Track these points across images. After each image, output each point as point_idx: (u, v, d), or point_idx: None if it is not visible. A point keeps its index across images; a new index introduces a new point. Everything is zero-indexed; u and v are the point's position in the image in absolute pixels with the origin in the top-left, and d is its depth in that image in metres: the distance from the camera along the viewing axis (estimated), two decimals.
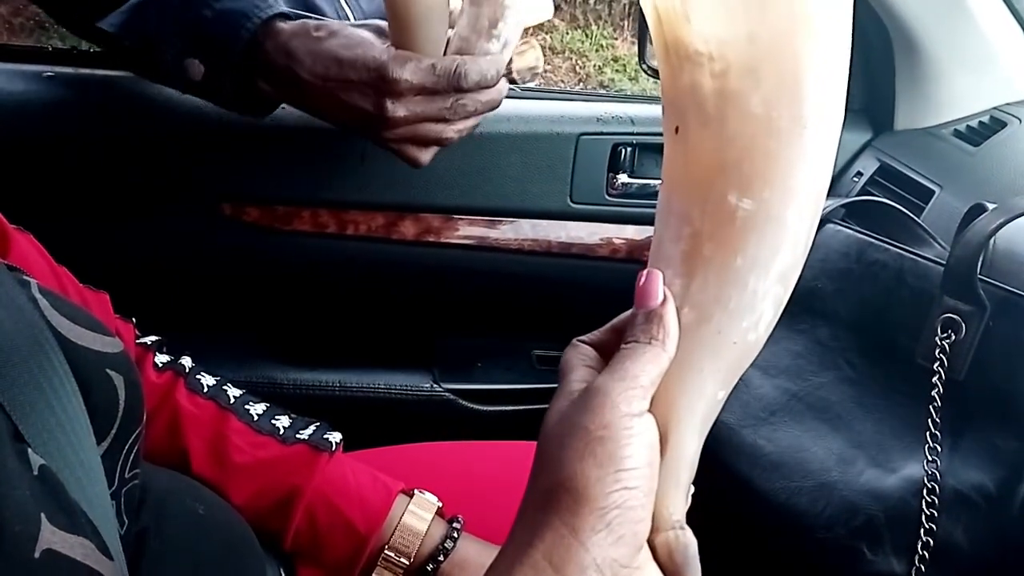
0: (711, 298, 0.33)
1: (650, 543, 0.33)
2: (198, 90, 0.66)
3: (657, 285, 0.33)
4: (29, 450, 0.33)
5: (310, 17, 0.63)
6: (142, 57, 0.70)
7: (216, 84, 0.64)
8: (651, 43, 1.06)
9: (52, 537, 0.31)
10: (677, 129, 0.32)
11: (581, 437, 0.31)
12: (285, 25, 0.61)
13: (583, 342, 0.37)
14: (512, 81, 1.10)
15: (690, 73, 0.31)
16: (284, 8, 0.63)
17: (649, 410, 0.32)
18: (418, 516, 0.54)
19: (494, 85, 0.62)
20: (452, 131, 0.63)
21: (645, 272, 0.33)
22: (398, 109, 0.59)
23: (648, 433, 0.31)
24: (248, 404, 0.56)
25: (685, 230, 0.33)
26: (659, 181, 0.99)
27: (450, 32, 0.62)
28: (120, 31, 0.66)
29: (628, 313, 0.36)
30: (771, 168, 0.31)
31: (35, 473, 0.32)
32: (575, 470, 0.30)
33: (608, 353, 0.35)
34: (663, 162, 0.35)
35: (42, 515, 0.31)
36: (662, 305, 0.33)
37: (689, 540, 0.33)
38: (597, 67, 3.81)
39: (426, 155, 0.64)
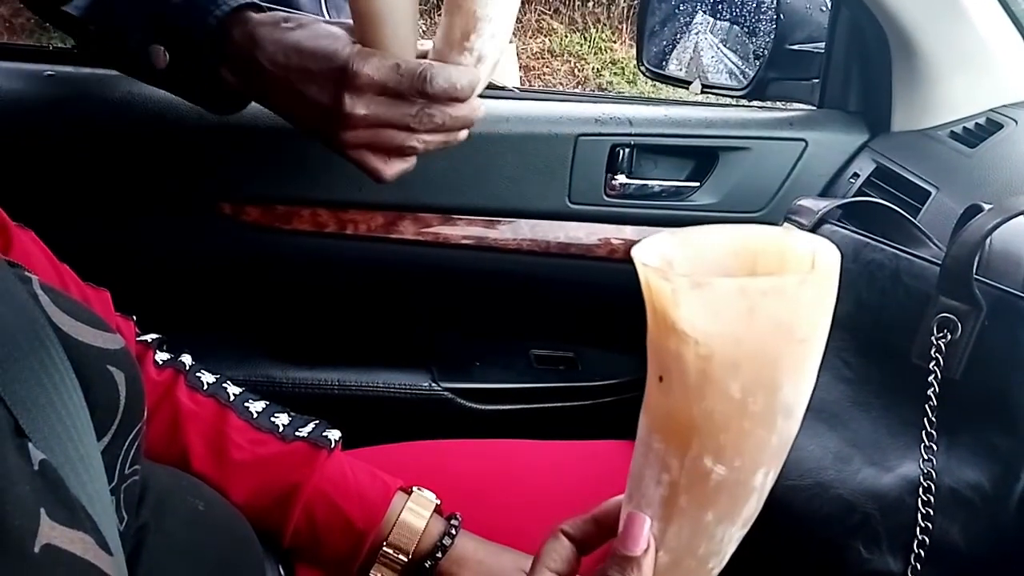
0: (683, 545, 0.36)
1: None
2: (162, 80, 0.65)
3: (643, 532, 0.36)
4: (30, 444, 0.33)
5: (282, 9, 0.62)
6: (107, 43, 0.68)
7: (179, 72, 0.62)
8: (646, 46, 1.06)
9: (52, 532, 0.31)
10: (661, 378, 0.35)
11: None
12: (254, 14, 0.60)
13: (565, 533, 0.39)
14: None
15: (676, 343, 0.33)
16: None
17: None
18: (416, 513, 0.54)
19: (465, 98, 0.58)
20: (417, 141, 0.58)
21: (633, 515, 0.36)
22: (357, 105, 0.56)
23: None
24: (248, 402, 0.56)
25: (664, 477, 0.35)
26: (657, 182, 0.99)
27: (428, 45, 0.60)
28: (85, 15, 0.64)
29: (612, 503, 0.39)
30: (744, 443, 0.34)
31: (35, 468, 0.32)
32: None
33: (587, 547, 0.38)
34: (644, 397, 0.36)
35: (42, 510, 0.31)
36: (643, 554, 0.35)
37: None
38: (596, 70, 3.82)
39: (390, 168, 0.60)
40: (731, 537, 0.37)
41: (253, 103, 0.69)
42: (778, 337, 0.32)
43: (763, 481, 0.36)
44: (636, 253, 0.33)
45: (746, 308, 0.31)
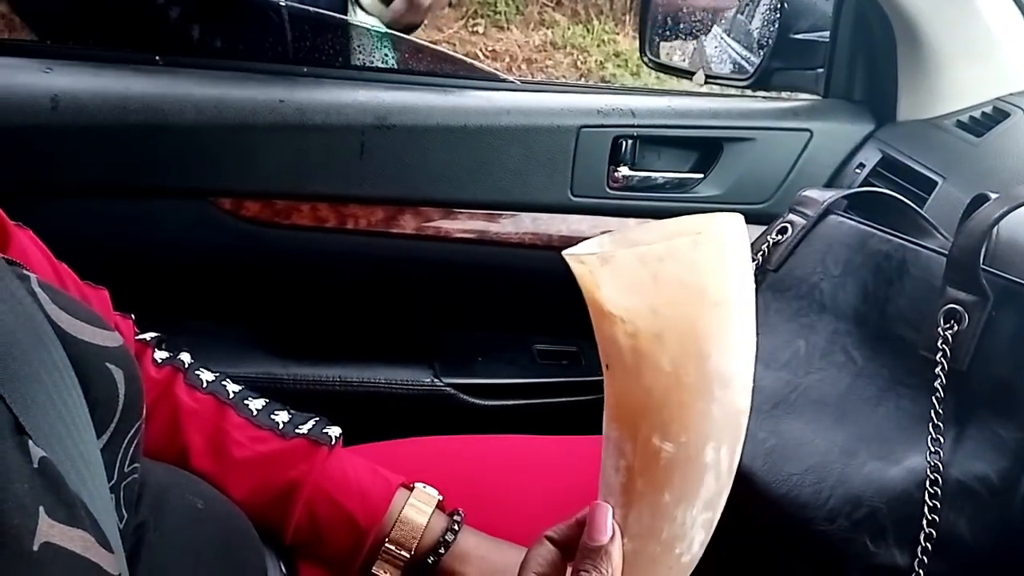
0: (645, 530, 0.37)
1: None
2: None
3: (607, 520, 0.36)
4: (30, 442, 0.33)
5: None
6: None
7: None
8: (649, 37, 1.05)
9: (51, 530, 0.31)
10: (608, 367, 0.36)
11: None
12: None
13: (550, 539, 0.40)
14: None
15: (608, 327, 0.34)
16: None
17: None
18: (418, 509, 0.54)
19: None
20: None
21: (596, 505, 0.37)
22: None
23: None
24: (247, 399, 0.56)
25: (621, 463, 0.36)
26: (661, 174, 0.99)
27: None
28: None
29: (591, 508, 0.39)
30: (686, 417, 0.35)
31: (35, 465, 0.32)
32: None
33: (572, 551, 0.38)
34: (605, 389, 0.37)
35: (40, 508, 0.31)
36: (610, 540, 0.36)
37: None
38: (599, 62, 3.80)
39: None
40: (694, 520, 0.37)
41: (241, 94, 0.66)
42: (690, 302, 0.34)
43: (716, 457, 0.36)
44: (567, 251, 0.34)
45: (650, 276, 0.33)
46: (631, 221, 0.86)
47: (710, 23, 1.07)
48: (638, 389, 0.35)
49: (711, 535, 0.39)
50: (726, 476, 0.37)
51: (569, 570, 0.39)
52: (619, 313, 0.34)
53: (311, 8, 0.92)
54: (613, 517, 0.37)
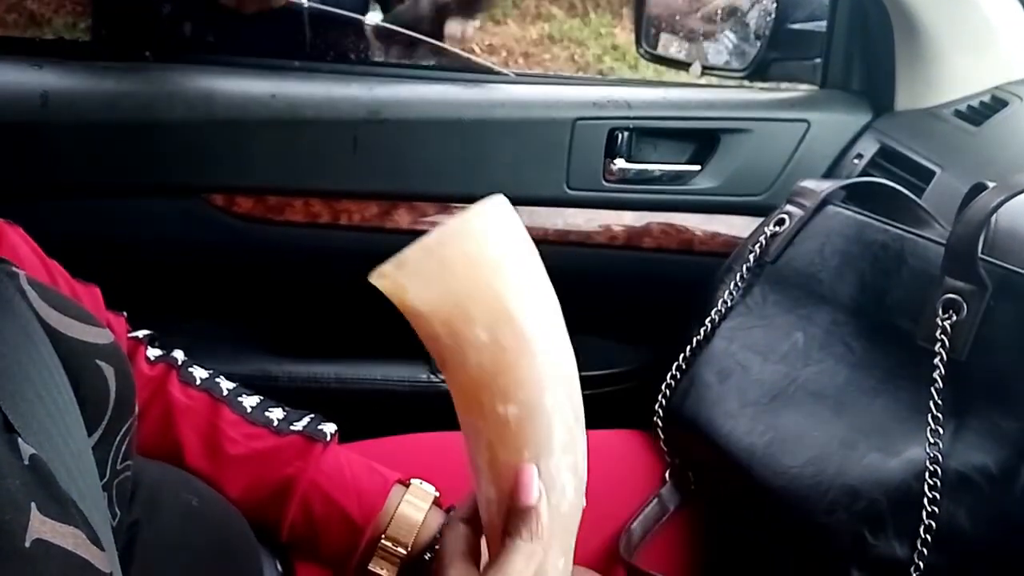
0: None
1: None
2: None
3: (532, 481, 0.38)
4: (19, 439, 0.33)
5: None
6: None
7: None
8: (645, 30, 1.05)
9: (42, 527, 0.31)
10: (443, 365, 0.39)
11: None
12: None
13: (461, 520, 0.42)
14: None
15: (427, 327, 0.38)
16: None
17: None
18: (415, 506, 0.54)
19: None
20: None
21: (521, 468, 0.38)
22: None
23: None
24: (241, 396, 0.56)
25: (480, 443, 0.39)
26: (657, 166, 0.98)
27: None
28: None
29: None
30: (518, 375, 0.38)
31: (25, 463, 0.32)
32: None
33: (478, 524, 0.41)
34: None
35: (32, 505, 0.31)
36: (538, 501, 0.38)
37: None
38: (596, 56, 3.79)
39: None
40: (559, 467, 0.39)
41: (232, 89, 0.66)
42: (476, 270, 0.37)
43: (554, 402, 0.39)
44: (371, 277, 0.37)
45: (437, 263, 0.37)
46: (628, 214, 0.86)
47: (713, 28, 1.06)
48: (471, 370, 0.38)
49: (585, 480, 0.41)
50: (572, 419, 0.40)
51: (485, 551, 0.41)
52: (429, 309, 0.37)
53: (330, 8, 0.91)
54: (485, 494, 0.39)
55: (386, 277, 0.37)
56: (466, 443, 0.40)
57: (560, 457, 0.39)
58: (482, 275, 0.37)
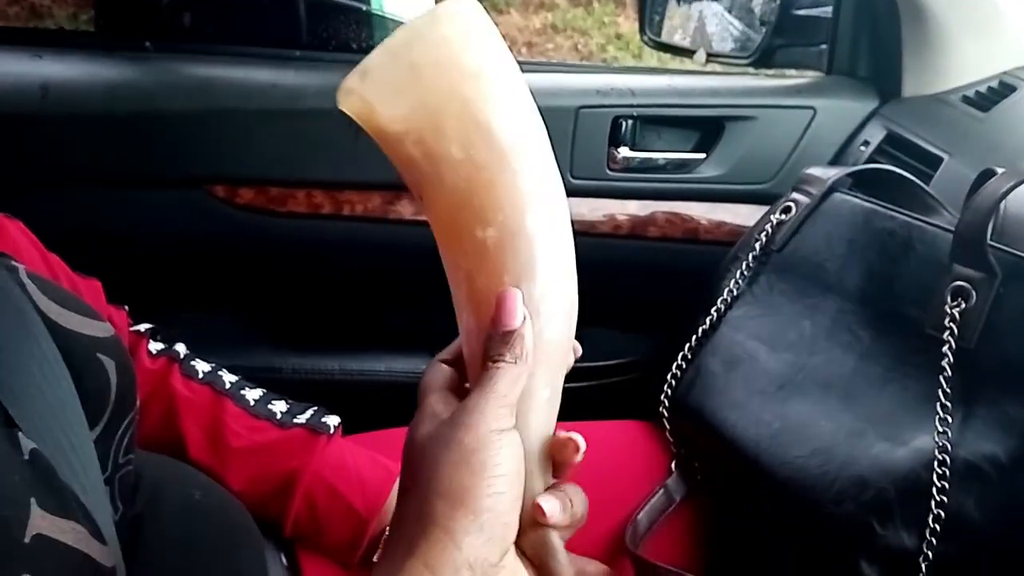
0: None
1: (517, 543, 0.35)
2: None
3: (516, 305, 0.36)
4: (20, 434, 0.33)
5: None
6: None
7: None
8: (648, 16, 1.04)
9: (42, 522, 0.31)
10: (421, 196, 0.37)
11: (456, 451, 0.33)
12: None
13: (443, 361, 0.41)
14: None
15: (400, 148, 0.35)
16: None
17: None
18: None
19: None
20: None
21: (503, 292, 0.36)
22: None
23: (515, 445, 0.34)
24: (244, 389, 0.56)
25: (459, 274, 0.37)
26: (662, 154, 0.97)
27: None
28: None
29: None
30: (496, 195, 0.35)
31: (26, 457, 0.32)
32: (451, 480, 0.33)
33: (462, 366, 0.39)
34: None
35: (32, 500, 0.31)
36: (522, 324, 0.35)
37: (552, 537, 0.36)
38: (600, 45, 3.77)
39: None
40: (543, 294, 0.36)
41: (232, 79, 0.66)
42: (450, 79, 0.34)
43: (536, 224, 0.36)
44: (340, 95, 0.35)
45: (407, 67, 0.34)
46: (632, 204, 0.85)
47: None
48: (447, 192, 0.35)
49: (576, 311, 0.39)
50: (558, 242, 0.37)
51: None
52: (401, 126, 0.34)
53: None
54: (465, 325, 0.37)
55: (353, 93, 0.34)
56: (448, 277, 0.38)
57: (545, 283, 0.36)
58: (455, 86, 0.34)
